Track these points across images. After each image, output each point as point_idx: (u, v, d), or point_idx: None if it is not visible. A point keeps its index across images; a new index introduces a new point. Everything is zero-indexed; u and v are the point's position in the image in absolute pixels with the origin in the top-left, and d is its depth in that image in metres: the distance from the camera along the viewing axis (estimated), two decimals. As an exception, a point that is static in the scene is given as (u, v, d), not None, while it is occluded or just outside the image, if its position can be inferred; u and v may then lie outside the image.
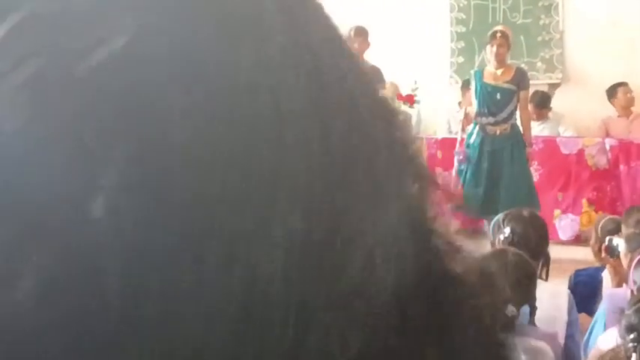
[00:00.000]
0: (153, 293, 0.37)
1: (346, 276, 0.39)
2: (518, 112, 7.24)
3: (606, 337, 2.97)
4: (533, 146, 7.43)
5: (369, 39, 7.76)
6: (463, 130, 7.29)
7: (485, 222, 7.12)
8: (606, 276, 4.11)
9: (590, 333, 3.65)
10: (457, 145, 7.27)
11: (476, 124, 7.23)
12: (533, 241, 3.83)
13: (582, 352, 3.58)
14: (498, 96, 7.08)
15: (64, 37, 0.39)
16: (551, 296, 3.61)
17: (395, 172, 0.43)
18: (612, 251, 4.01)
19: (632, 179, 7.67)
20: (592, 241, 4.83)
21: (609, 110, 8.55)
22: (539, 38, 9.20)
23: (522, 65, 8.14)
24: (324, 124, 0.41)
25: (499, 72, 7.12)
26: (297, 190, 0.39)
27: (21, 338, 0.37)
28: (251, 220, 0.38)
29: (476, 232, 7.57)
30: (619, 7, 8.93)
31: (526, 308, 3.20)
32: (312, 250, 0.39)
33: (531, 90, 7.97)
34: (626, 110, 8.47)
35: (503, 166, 7.14)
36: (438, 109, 8.99)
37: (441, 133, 8.65)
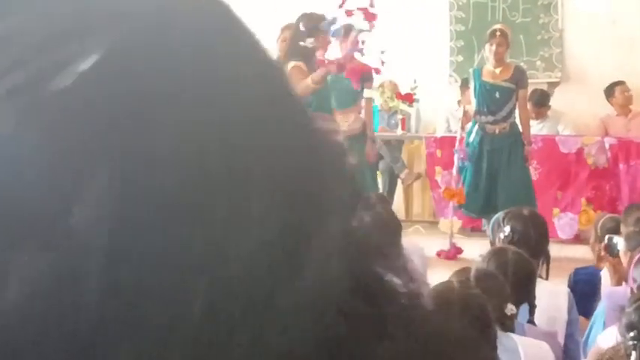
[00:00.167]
0: (129, 297, 0.38)
1: (302, 280, 0.43)
2: (517, 111, 7.24)
3: (606, 336, 2.97)
4: (533, 145, 7.43)
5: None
6: (462, 128, 7.29)
7: (483, 221, 7.13)
8: (605, 274, 4.11)
9: (590, 331, 3.65)
10: (457, 143, 7.27)
11: (475, 123, 7.23)
12: (534, 240, 3.83)
13: (581, 351, 3.58)
14: (497, 94, 7.09)
15: (41, 53, 0.40)
16: (551, 295, 3.62)
17: (338, 199, 0.48)
18: (612, 250, 4.01)
19: (631, 178, 7.67)
20: (592, 240, 4.83)
21: (608, 109, 8.56)
22: (539, 37, 9.20)
23: (522, 64, 8.14)
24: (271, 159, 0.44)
25: (498, 70, 7.13)
26: (258, 207, 0.42)
27: (4, 339, 0.38)
28: (219, 231, 0.40)
29: (475, 231, 7.58)
30: (618, 5, 8.94)
31: (525, 307, 3.20)
32: (273, 257, 0.42)
33: (530, 88, 7.98)
34: (624, 109, 8.47)
35: (501, 165, 7.15)
36: (438, 107, 9.00)
37: (440, 132, 8.65)
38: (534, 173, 7.66)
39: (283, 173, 0.44)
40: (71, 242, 0.38)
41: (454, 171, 7.31)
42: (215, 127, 0.42)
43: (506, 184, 7.11)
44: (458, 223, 7.20)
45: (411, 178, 8.70)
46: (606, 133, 8.23)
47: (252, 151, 0.43)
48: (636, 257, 3.41)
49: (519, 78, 7.17)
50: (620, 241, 3.95)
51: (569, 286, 4.16)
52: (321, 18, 6.39)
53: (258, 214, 0.42)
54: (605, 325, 3.37)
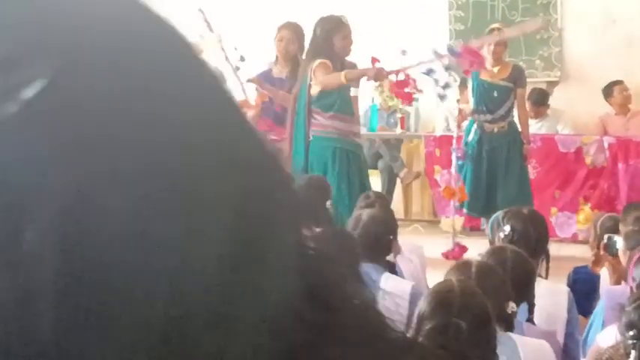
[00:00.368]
0: (83, 317, 0.39)
1: (259, 293, 0.45)
2: (516, 110, 7.24)
3: (605, 335, 2.96)
4: (532, 144, 7.43)
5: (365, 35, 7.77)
6: (458, 126, 7.28)
7: (482, 220, 7.13)
8: (604, 273, 4.11)
9: (589, 330, 3.65)
10: (454, 142, 7.27)
11: (473, 122, 7.23)
12: (533, 239, 3.83)
13: (580, 350, 3.58)
14: (495, 93, 7.09)
15: None
16: (551, 294, 3.61)
17: (289, 213, 0.50)
18: (611, 249, 4.01)
19: (630, 177, 7.67)
20: (591, 239, 4.83)
21: (607, 108, 8.56)
22: (538, 36, 9.19)
23: (521, 63, 8.14)
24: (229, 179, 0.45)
25: (496, 69, 7.13)
26: (210, 225, 0.43)
27: None
28: (172, 250, 0.41)
29: (474, 230, 7.58)
30: (617, 4, 8.93)
31: (524, 306, 3.19)
32: (229, 272, 0.43)
33: (530, 88, 7.97)
34: (623, 108, 8.47)
35: (500, 164, 7.15)
36: (437, 106, 8.99)
37: (440, 131, 8.65)
38: (533, 172, 7.66)
39: (233, 191, 0.45)
40: (23, 263, 0.38)
41: (452, 170, 7.30)
42: (162, 147, 0.42)
43: (504, 182, 7.11)
44: (460, 222, 7.19)
45: (410, 177, 8.70)
46: (605, 132, 8.23)
47: (200, 170, 0.43)
48: (635, 256, 3.41)
49: (517, 77, 7.17)
50: (619, 241, 3.95)
51: (568, 285, 4.16)
52: (338, 20, 6.35)
53: (209, 231, 0.43)
54: (604, 324, 3.37)
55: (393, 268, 3.86)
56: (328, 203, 4.91)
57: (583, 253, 5.69)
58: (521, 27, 8.16)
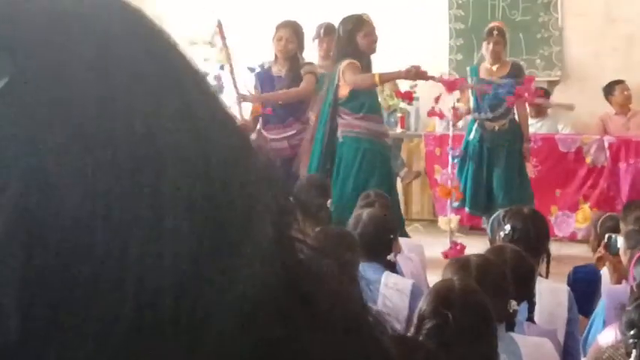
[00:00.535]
0: (48, 312, 0.39)
1: (232, 286, 0.45)
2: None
3: (606, 334, 2.96)
4: (532, 144, 7.42)
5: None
6: (454, 125, 7.26)
7: (484, 219, 7.12)
8: (605, 273, 4.11)
9: (589, 329, 3.65)
10: (449, 140, 7.28)
11: (474, 121, 7.23)
12: (534, 238, 3.82)
13: (581, 349, 3.58)
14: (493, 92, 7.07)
15: None
16: (552, 293, 3.61)
17: (265, 207, 0.49)
18: (611, 248, 4.01)
19: (630, 176, 7.68)
20: (591, 239, 4.83)
21: (608, 108, 8.55)
22: (538, 35, 9.19)
23: (521, 63, 8.13)
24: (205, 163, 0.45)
25: (495, 68, 7.12)
26: (176, 219, 0.43)
27: None
28: (140, 245, 0.41)
29: (474, 229, 7.58)
30: (617, 3, 8.94)
31: (524, 305, 3.19)
32: (200, 266, 0.43)
33: (530, 87, 7.96)
34: (623, 108, 8.47)
35: (500, 162, 7.14)
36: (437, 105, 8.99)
37: (440, 130, 8.64)
38: (533, 171, 7.66)
39: (205, 177, 0.45)
40: None
41: (449, 169, 7.31)
42: (125, 141, 0.42)
43: (504, 181, 7.10)
44: (456, 220, 7.19)
45: (410, 177, 8.70)
46: (605, 132, 8.23)
47: (168, 155, 0.43)
48: (636, 256, 3.41)
49: (516, 74, 7.17)
50: (619, 240, 3.95)
51: (568, 284, 4.16)
52: (359, 18, 6.35)
53: (178, 224, 0.43)
54: (605, 324, 3.36)
55: (393, 268, 3.85)
56: (328, 202, 4.91)
57: (583, 253, 5.70)
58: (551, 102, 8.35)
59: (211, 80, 5.99)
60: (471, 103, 7.23)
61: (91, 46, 0.44)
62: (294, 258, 0.51)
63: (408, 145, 9.18)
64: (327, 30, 7.51)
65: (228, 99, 6.01)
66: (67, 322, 0.39)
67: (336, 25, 7.50)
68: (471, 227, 7.75)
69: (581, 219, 7.79)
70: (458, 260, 2.99)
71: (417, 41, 9.23)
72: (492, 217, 4.47)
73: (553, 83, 9.19)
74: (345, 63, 6.17)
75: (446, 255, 6.74)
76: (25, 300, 0.38)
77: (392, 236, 3.90)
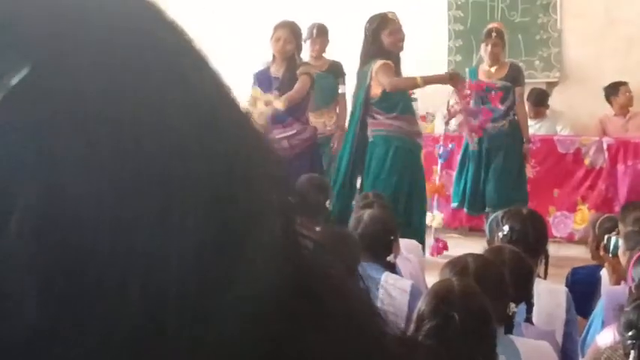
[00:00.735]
0: (58, 308, 0.39)
1: (237, 283, 0.45)
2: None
3: (604, 335, 2.97)
4: (531, 145, 7.42)
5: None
6: (446, 123, 7.26)
7: (485, 219, 7.13)
8: (604, 274, 4.11)
9: (588, 330, 3.65)
10: (440, 139, 7.31)
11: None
12: (532, 240, 3.83)
13: (579, 350, 3.58)
14: (493, 93, 7.07)
15: None
16: (550, 294, 3.62)
17: (271, 203, 0.49)
18: (610, 249, 4.01)
19: (629, 178, 7.68)
20: (590, 240, 4.83)
21: (606, 109, 8.56)
22: (537, 37, 9.20)
23: (520, 64, 8.13)
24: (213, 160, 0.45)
25: (493, 69, 7.12)
26: (184, 215, 0.43)
27: None
28: (147, 241, 0.41)
29: (473, 230, 7.58)
30: (616, 5, 8.94)
31: (522, 305, 3.19)
32: (205, 262, 0.43)
33: (529, 88, 7.97)
34: (623, 109, 8.48)
35: (498, 162, 7.13)
36: (436, 106, 8.99)
37: (438, 131, 8.64)
38: (532, 172, 7.66)
39: (213, 175, 0.45)
40: (4, 258, 0.39)
41: (438, 168, 7.35)
42: (134, 137, 0.42)
43: (499, 181, 7.10)
44: (439, 218, 7.20)
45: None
46: (604, 133, 8.24)
47: (178, 153, 0.43)
48: (635, 257, 3.41)
49: (515, 76, 7.17)
50: (618, 241, 3.95)
51: (567, 286, 4.17)
52: (382, 17, 6.33)
53: (184, 221, 0.43)
54: (603, 325, 3.37)
55: (393, 268, 3.86)
56: (327, 202, 4.91)
57: (581, 254, 5.70)
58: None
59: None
60: (471, 104, 7.21)
61: (106, 44, 0.44)
62: (299, 256, 0.51)
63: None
64: (320, 30, 7.54)
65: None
66: (72, 319, 0.39)
67: (328, 26, 7.54)
68: (470, 228, 7.76)
69: (579, 220, 7.80)
70: (456, 260, 2.99)
71: (416, 42, 9.21)
72: (491, 218, 4.48)
73: (552, 85, 9.20)
74: (378, 64, 6.13)
75: (432, 252, 6.80)
76: (33, 297, 0.39)
77: (392, 237, 3.90)
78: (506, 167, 7.11)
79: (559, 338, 3.50)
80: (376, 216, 4.01)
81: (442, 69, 9.27)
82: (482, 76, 7.15)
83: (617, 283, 3.89)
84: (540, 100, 8.61)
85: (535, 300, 3.30)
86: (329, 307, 0.51)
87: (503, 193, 6.89)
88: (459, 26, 9.50)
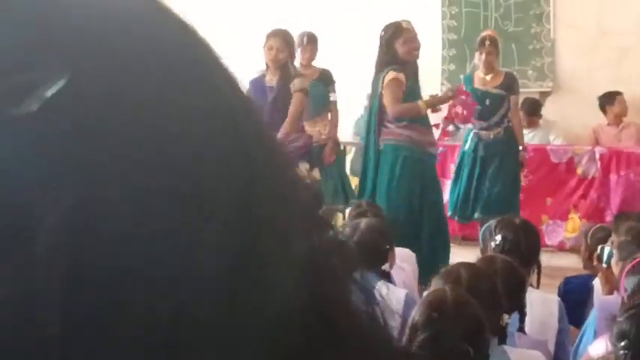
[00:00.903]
0: (89, 324, 0.39)
1: (260, 301, 0.44)
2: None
3: (597, 345, 2.97)
4: (525, 153, 7.43)
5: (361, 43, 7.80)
6: (437, 127, 7.24)
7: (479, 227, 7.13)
8: (597, 284, 4.12)
9: (580, 340, 3.66)
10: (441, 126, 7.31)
11: (471, 131, 7.19)
12: (525, 249, 3.83)
13: (572, 360, 3.59)
14: (487, 101, 7.08)
15: (3, 79, 0.40)
16: (542, 304, 3.62)
17: (295, 220, 0.49)
18: (604, 259, 4.02)
19: (621, 188, 7.70)
20: (582, 249, 4.84)
21: (600, 118, 8.58)
22: (531, 46, 9.22)
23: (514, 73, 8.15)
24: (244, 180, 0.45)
25: (488, 77, 7.13)
26: (212, 232, 0.43)
27: None
28: (175, 257, 0.41)
29: (466, 239, 7.58)
30: (609, 15, 8.97)
31: (515, 315, 3.20)
32: (230, 280, 0.43)
33: (522, 98, 7.98)
34: (617, 119, 8.50)
35: (492, 170, 7.12)
36: (429, 115, 9.00)
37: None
38: (525, 180, 7.67)
39: (236, 197, 0.44)
40: (33, 267, 0.38)
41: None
42: (169, 153, 0.42)
43: (491, 188, 7.09)
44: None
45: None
46: (597, 143, 8.26)
47: (208, 174, 0.43)
48: (628, 267, 3.42)
49: (510, 84, 7.18)
50: (611, 251, 3.96)
51: (559, 295, 4.17)
52: (397, 25, 6.30)
53: (211, 238, 0.42)
54: (596, 334, 3.37)
55: (387, 277, 3.86)
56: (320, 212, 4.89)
57: (574, 264, 5.71)
58: None
59: None
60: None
61: (150, 59, 0.44)
62: (324, 275, 0.51)
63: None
64: (310, 39, 7.56)
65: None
66: (95, 335, 0.39)
67: (318, 34, 7.54)
68: (463, 237, 7.76)
69: (570, 229, 7.82)
70: (448, 270, 2.99)
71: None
72: (484, 228, 4.48)
73: (545, 94, 9.21)
74: (388, 77, 6.11)
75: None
76: (64, 308, 0.38)
77: (388, 247, 3.90)
78: (501, 175, 7.11)
79: (552, 348, 3.50)
80: (373, 225, 4.01)
81: (436, 78, 9.31)
82: (477, 84, 7.15)
83: (610, 292, 3.89)
84: (533, 109, 8.62)
85: (527, 309, 3.30)
86: (344, 331, 0.51)
87: (496, 201, 6.89)
88: (453, 35, 9.52)
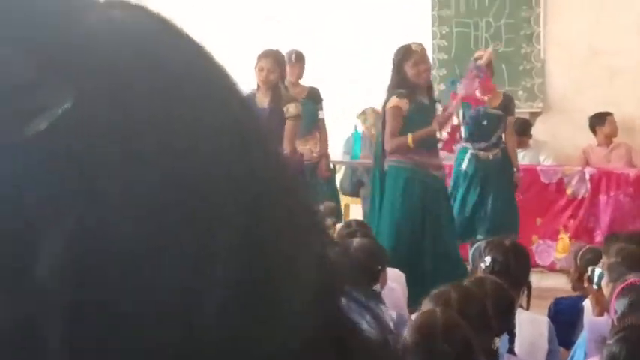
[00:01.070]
0: (92, 349, 0.39)
1: (273, 336, 0.44)
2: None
3: (587, 367, 2.97)
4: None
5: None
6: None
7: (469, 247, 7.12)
8: (587, 305, 4.12)
9: (571, 362, 3.66)
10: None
11: (466, 151, 7.16)
12: (515, 270, 3.83)
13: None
14: (485, 122, 7.08)
15: (11, 100, 0.40)
16: (531, 325, 3.62)
17: (305, 235, 0.49)
18: (594, 281, 4.02)
19: (610, 208, 7.72)
20: (572, 270, 4.84)
21: (590, 139, 8.61)
22: (521, 67, 9.25)
23: (507, 94, 8.17)
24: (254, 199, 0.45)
25: (486, 98, 7.14)
26: (222, 252, 0.42)
27: None
28: (184, 278, 0.41)
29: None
30: (599, 37, 9.01)
31: (505, 336, 3.20)
32: (243, 311, 0.42)
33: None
34: (607, 139, 8.53)
35: (491, 190, 7.11)
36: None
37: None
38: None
39: (244, 212, 0.44)
40: (35, 292, 0.38)
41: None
42: (176, 170, 0.42)
43: (493, 209, 7.08)
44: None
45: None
46: (587, 164, 8.29)
47: (211, 193, 0.43)
48: (618, 288, 3.42)
49: (507, 105, 7.22)
50: (601, 272, 3.96)
51: (549, 316, 4.17)
52: (406, 48, 6.31)
53: (221, 272, 0.42)
54: (586, 356, 3.37)
55: (378, 298, 3.85)
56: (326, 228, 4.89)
57: (564, 284, 5.70)
58: None
59: None
60: (462, 132, 7.14)
61: (156, 77, 0.44)
62: (334, 307, 0.50)
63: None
64: (298, 56, 7.61)
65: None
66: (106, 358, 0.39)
67: (308, 53, 7.58)
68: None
69: (560, 249, 7.83)
70: (439, 292, 2.98)
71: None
72: (473, 248, 4.48)
73: (535, 115, 9.24)
74: (390, 104, 6.14)
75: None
76: (69, 332, 0.38)
77: (380, 267, 3.90)
78: (502, 195, 7.11)
79: (541, 369, 3.50)
80: (365, 245, 4.01)
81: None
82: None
83: (600, 314, 3.89)
84: (523, 129, 8.64)
85: (517, 330, 3.30)
86: (359, 357, 0.50)
87: (501, 222, 6.89)
88: (444, 55, 9.55)
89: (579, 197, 7.88)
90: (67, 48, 0.43)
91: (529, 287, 3.94)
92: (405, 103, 6.10)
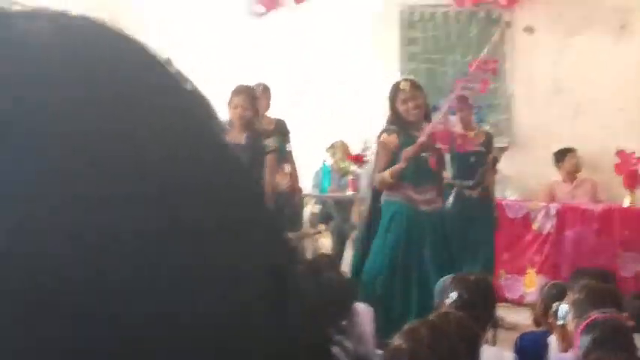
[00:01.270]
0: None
1: (273, 342, 0.44)
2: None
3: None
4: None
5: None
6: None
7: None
8: (553, 340, 4.14)
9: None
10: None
11: (451, 188, 7.14)
12: (480, 306, 3.84)
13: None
14: (473, 159, 7.12)
15: None
16: (498, 361, 3.63)
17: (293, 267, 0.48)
18: (559, 317, 4.04)
19: (576, 244, 7.77)
20: (537, 305, 4.86)
21: (555, 174, 8.68)
22: (488, 102, 9.32)
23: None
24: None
25: (472, 134, 7.20)
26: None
27: None
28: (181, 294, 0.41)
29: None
30: (565, 73, 9.12)
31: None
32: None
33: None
34: (571, 175, 8.60)
35: (477, 228, 7.11)
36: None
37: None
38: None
39: (216, 223, 0.44)
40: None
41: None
42: (150, 198, 0.42)
43: (481, 247, 7.09)
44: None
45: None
46: (553, 199, 8.35)
47: (182, 207, 0.43)
48: (583, 324, 3.45)
49: (489, 142, 7.29)
50: (567, 308, 3.98)
51: (515, 351, 4.18)
52: (396, 86, 6.30)
53: (201, 310, 0.42)
54: (551, 392, 3.38)
55: (344, 334, 3.84)
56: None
57: (530, 319, 5.73)
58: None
59: None
60: (448, 171, 7.08)
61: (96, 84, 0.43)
62: (312, 317, 0.50)
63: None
64: (265, 89, 7.66)
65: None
66: None
67: (278, 86, 7.61)
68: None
69: (528, 283, 7.86)
70: (409, 328, 2.99)
71: (369, 105, 9.31)
72: (438, 283, 4.48)
73: (501, 150, 9.30)
74: (379, 140, 6.22)
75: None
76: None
77: (349, 303, 3.90)
78: (486, 233, 7.13)
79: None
80: (335, 280, 4.00)
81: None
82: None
83: (566, 350, 3.91)
84: (491, 164, 8.69)
85: (483, 366, 3.30)
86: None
87: (484, 259, 6.93)
88: (412, 91, 9.59)
89: (545, 232, 7.93)
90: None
91: (495, 322, 3.95)
92: (393, 139, 6.12)
